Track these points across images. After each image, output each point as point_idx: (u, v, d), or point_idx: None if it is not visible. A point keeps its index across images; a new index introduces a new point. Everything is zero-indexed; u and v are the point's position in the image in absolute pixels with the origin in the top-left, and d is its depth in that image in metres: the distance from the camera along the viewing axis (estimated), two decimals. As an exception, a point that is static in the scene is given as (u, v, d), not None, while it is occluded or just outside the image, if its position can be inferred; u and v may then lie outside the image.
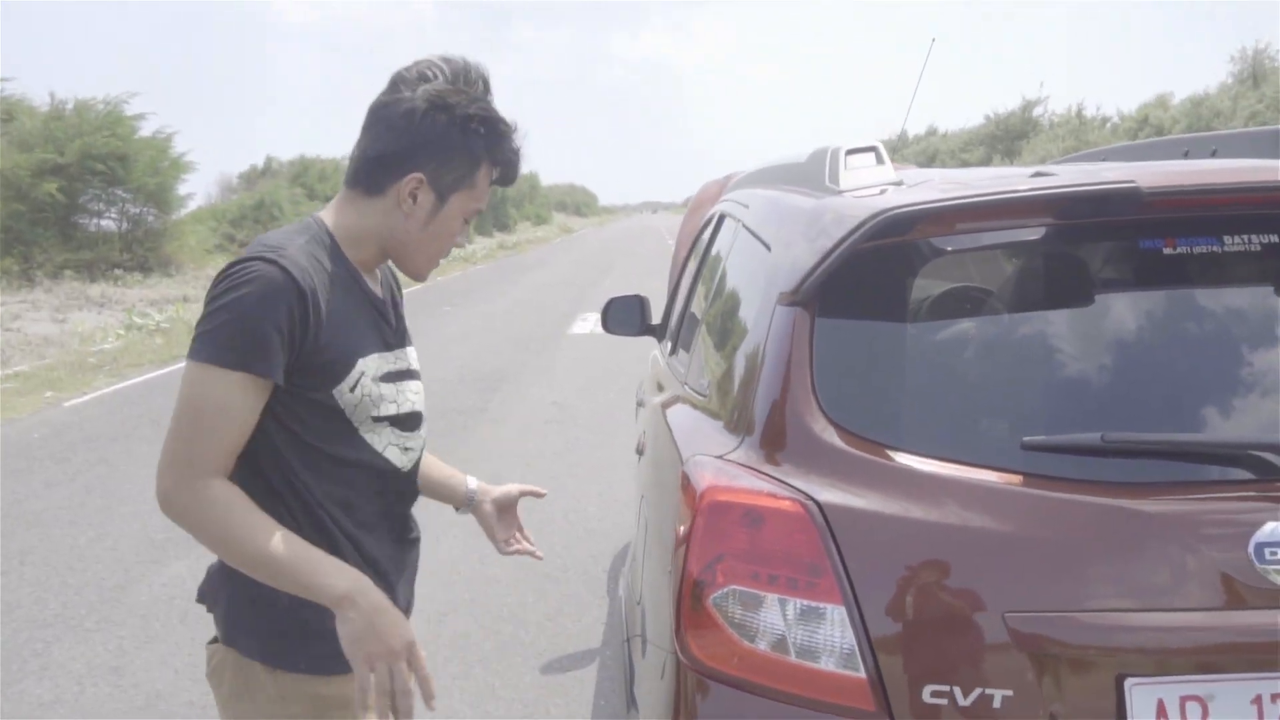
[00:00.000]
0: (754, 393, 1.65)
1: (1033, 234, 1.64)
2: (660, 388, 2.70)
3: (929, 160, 35.95)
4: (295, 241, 1.52)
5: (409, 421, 1.68)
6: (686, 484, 1.63)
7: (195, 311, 12.84)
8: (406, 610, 1.77)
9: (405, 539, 1.75)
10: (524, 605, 4.14)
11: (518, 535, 2.03)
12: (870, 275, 1.63)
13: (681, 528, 1.58)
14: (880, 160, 1.95)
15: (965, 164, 34.01)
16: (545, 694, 3.44)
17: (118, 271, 17.10)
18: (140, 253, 18.03)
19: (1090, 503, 1.43)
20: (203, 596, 1.66)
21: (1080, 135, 27.72)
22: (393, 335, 1.69)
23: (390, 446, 1.64)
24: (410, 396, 1.68)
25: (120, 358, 10.67)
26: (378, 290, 1.68)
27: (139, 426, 7.40)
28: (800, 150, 2.30)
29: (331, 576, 1.45)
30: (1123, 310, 1.62)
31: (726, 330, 2.10)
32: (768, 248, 1.95)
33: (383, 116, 1.56)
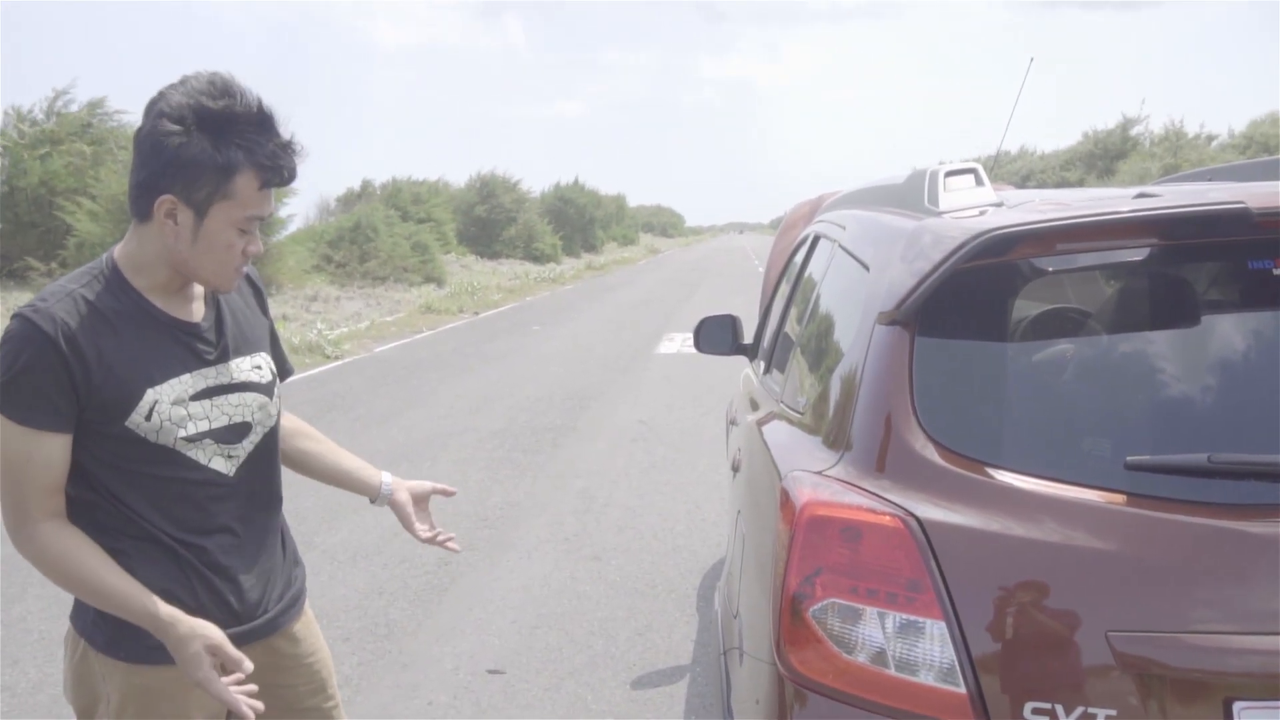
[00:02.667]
0: (853, 409, 1.68)
1: (1136, 254, 1.64)
2: (754, 406, 2.73)
3: (1024, 179, 35.16)
4: (66, 288, 1.60)
5: (230, 434, 1.71)
6: (785, 499, 1.66)
7: (294, 329, 13.27)
8: (295, 600, 1.88)
9: (260, 537, 1.80)
10: (614, 620, 4.19)
11: (433, 524, 2.10)
12: (970, 295, 1.65)
13: (780, 542, 1.61)
14: (980, 182, 1.96)
15: (1065, 182, 33.19)
16: (636, 708, 3.48)
17: (222, 291, 17.66)
18: (243, 273, 18.62)
19: (1195, 524, 1.42)
20: None
21: (1179, 153, 26.76)
22: (213, 351, 1.71)
23: (215, 458, 1.70)
24: (229, 410, 1.71)
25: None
26: (190, 310, 1.71)
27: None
28: (896, 173, 2.32)
29: (146, 617, 1.58)
30: (1229, 330, 1.61)
31: (824, 348, 2.12)
32: (866, 268, 1.98)
33: (136, 145, 1.60)
